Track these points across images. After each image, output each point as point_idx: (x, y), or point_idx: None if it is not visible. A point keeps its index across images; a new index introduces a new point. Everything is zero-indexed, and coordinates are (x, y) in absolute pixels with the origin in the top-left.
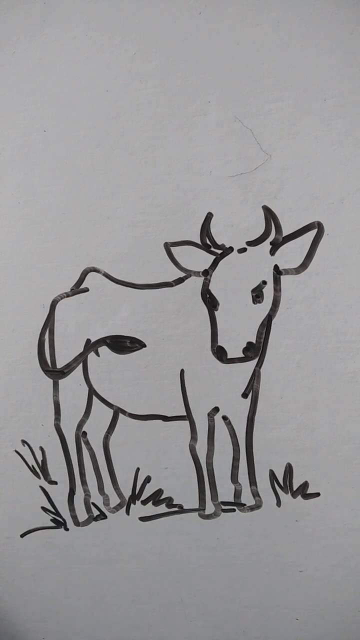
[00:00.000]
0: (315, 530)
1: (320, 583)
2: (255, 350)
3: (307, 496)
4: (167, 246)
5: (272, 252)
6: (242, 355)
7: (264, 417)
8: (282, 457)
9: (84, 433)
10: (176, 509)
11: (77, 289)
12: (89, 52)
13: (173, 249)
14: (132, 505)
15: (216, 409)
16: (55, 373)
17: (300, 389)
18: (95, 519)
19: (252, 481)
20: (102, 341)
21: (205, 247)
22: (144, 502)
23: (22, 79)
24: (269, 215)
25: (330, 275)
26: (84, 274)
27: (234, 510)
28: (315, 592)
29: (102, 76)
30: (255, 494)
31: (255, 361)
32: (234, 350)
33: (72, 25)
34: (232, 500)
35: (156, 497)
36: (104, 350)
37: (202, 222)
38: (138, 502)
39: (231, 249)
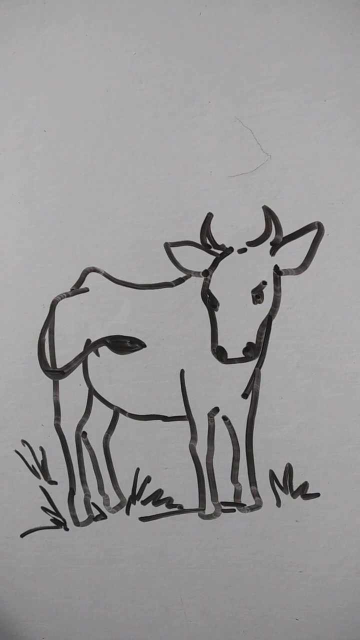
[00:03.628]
0: (315, 530)
1: (320, 583)
2: (255, 350)
3: (307, 496)
4: (167, 246)
5: (272, 252)
6: (242, 355)
7: (264, 418)
8: (282, 458)
9: (84, 433)
10: (176, 509)
11: (77, 289)
12: (89, 52)
13: (173, 249)
14: (132, 505)
15: (216, 409)
16: (55, 373)
17: (300, 389)
18: (95, 519)
19: (252, 481)
20: (102, 341)
21: (205, 248)
22: (144, 502)
23: (22, 79)
24: (269, 215)
25: (331, 275)
26: (84, 274)
27: (234, 510)
28: (315, 592)
29: (102, 76)
30: (255, 494)
31: (255, 361)
32: (234, 350)
33: (72, 26)
34: (232, 501)
35: (156, 497)
36: (104, 350)
37: (202, 222)
38: (138, 502)
39: (231, 249)
